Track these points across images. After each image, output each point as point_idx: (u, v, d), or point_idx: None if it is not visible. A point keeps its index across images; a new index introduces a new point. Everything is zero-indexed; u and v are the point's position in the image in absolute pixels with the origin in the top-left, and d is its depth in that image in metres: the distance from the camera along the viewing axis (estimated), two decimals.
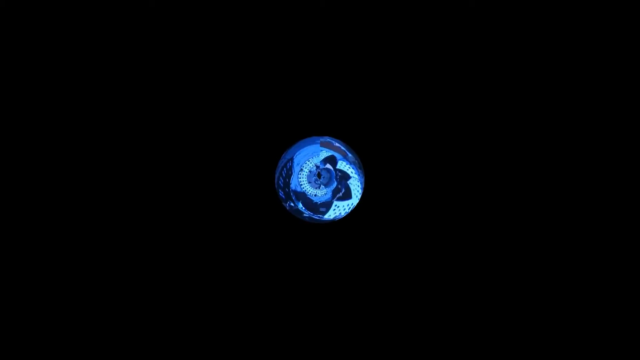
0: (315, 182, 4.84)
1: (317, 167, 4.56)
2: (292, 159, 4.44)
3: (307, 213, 4.58)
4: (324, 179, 4.86)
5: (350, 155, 4.50)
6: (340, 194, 4.82)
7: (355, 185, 4.62)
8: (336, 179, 4.83)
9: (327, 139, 4.27)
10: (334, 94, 3.48)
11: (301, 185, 4.73)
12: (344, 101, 3.50)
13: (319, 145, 4.41)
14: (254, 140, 3.55)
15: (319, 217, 4.63)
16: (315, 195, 4.78)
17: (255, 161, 3.61)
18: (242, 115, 3.46)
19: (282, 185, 4.49)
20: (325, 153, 4.65)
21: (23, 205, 3.06)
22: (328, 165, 4.73)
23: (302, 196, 4.72)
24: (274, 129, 3.60)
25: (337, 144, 4.35)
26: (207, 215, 3.44)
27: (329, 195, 4.89)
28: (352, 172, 4.82)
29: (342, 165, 4.70)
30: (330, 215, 4.69)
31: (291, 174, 4.53)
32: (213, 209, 3.45)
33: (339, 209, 4.79)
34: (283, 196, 4.39)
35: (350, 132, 3.71)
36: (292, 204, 4.46)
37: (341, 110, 3.55)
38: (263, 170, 3.70)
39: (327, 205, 4.82)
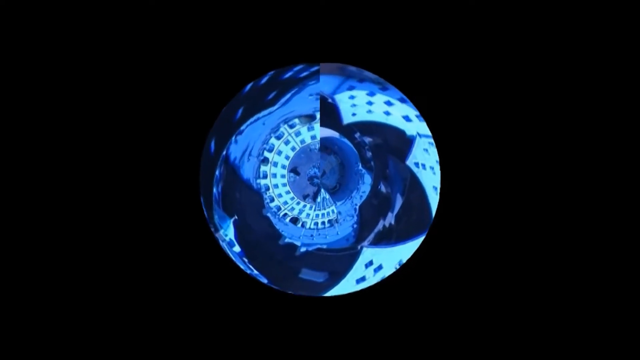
0: (311, 181, 2.23)
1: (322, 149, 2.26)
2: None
3: (260, 277, 2.02)
4: (328, 176, 2.16)
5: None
6: (387, 223, 2.01)
7: (434, 165, 1.97)
8: (366, 167, 2.09)
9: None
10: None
11: (259, 174, 2.21)
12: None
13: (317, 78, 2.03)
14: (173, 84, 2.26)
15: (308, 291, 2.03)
16: (292, 221, 2.17)
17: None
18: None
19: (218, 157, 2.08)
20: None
21: None
22: (330, 132, 2.08)
23: (254, 209, 2.14)
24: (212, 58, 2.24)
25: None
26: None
27: (349, 226, 2.09)
28: (413, 120, 1.96)
29: (375, 102, 2.00)
30: (345, 285, 1.94)
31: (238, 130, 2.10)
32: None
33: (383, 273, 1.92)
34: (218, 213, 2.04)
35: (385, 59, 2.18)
36: (220, 226, 2.04)
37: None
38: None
39: (336, 263, 1.96)
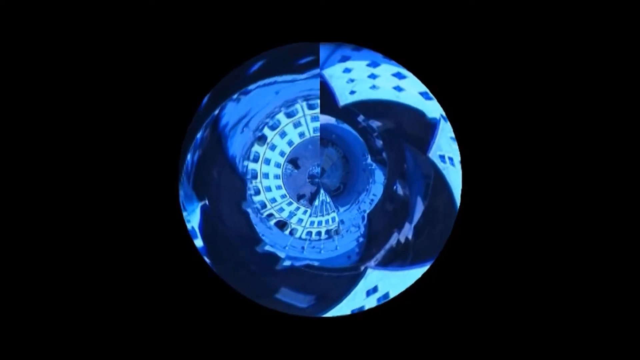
0: (311, 181, 1.83)
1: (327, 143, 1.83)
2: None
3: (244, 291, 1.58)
4: (328, 174, 1.73)
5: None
6: (403, 238, 1.57)
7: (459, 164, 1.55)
8: (377, 160, 1.65)
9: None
10: None
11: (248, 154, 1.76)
12: None
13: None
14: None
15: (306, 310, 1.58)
16: (278, 225, 1.74)
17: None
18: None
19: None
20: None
21: None
22: (323, 117, 1.66)
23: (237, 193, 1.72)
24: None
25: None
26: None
27: (352, 240, 1.64)
28: (434, 97, 1.43)
29: (380, 74, 1.50)
30: (335, 314, 1.51)
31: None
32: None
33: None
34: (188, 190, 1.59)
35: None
36: (184, 207, 1.56)
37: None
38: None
39: (329, 286, 1.53)
